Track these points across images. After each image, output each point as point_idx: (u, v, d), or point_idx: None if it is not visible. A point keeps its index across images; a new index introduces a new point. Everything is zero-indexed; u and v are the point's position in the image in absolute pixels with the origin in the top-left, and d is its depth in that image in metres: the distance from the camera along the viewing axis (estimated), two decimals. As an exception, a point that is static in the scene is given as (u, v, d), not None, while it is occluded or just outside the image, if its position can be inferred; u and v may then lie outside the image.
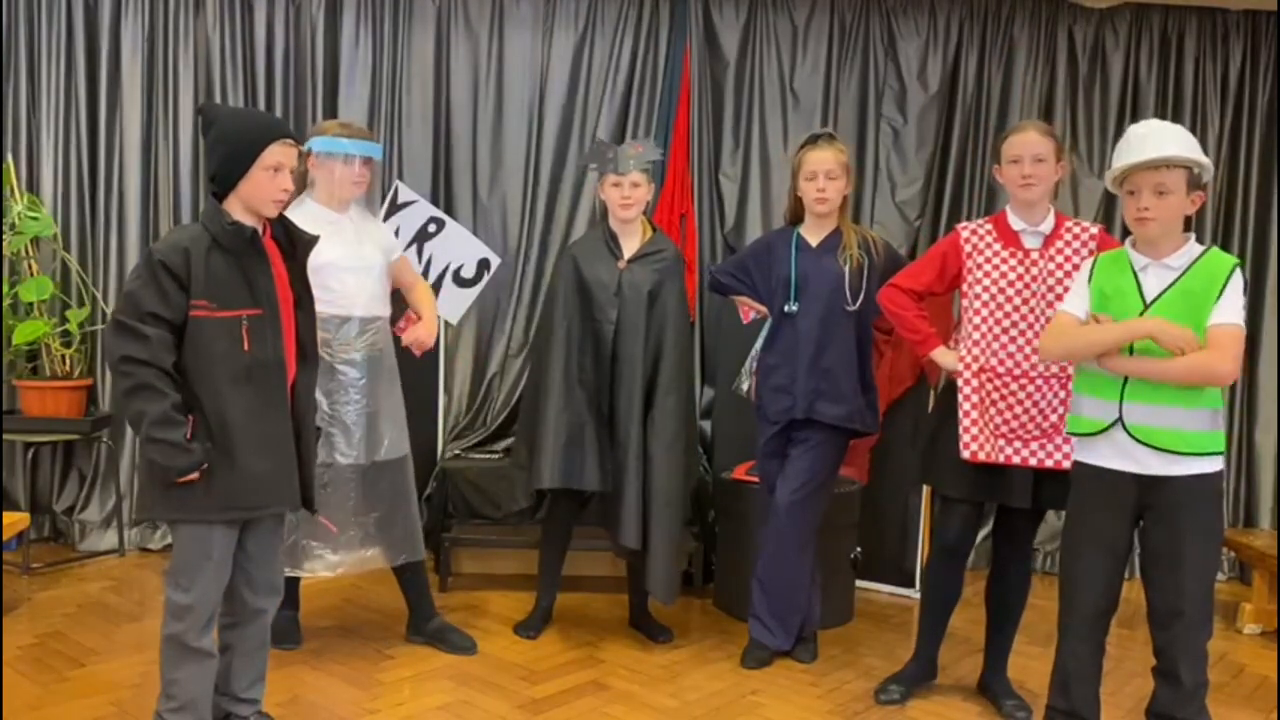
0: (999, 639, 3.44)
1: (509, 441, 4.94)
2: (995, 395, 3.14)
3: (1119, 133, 5.11)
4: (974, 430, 3.14)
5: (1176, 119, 5.12)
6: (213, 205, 2.59)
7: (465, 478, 4.61)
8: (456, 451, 4.86)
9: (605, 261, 3.70)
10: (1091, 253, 3.08)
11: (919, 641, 3.49)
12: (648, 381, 3.64)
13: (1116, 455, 2.69)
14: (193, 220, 4.83)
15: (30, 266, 4.60)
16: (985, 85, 5.12)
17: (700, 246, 5.00)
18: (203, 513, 2.56)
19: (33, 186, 4.74)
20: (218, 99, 4.82)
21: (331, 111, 4.89)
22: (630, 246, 3.72)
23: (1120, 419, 2.66)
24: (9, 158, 4.64)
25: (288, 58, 4.88)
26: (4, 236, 4.50)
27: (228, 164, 2.56)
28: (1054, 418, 3.11)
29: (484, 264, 4.69)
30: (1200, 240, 5.18)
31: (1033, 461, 3.13)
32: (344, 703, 3.23)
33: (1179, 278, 2.66)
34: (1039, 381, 3.12)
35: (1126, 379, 2.66)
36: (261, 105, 4.86)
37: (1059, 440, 3.10)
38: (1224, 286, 2.62)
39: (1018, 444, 3.13)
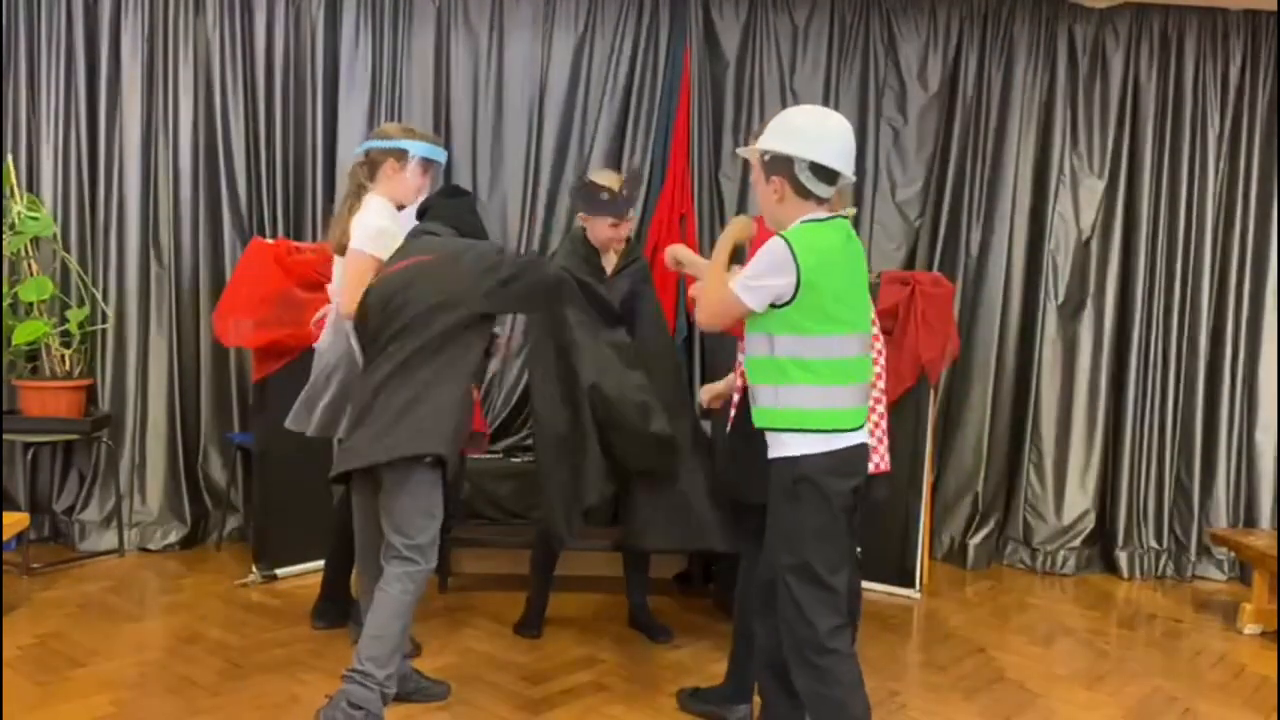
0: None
1: (510, 441, 4.96)
2: None
3: (1119, 133, 5.15)
4: None
5: (1176, 119, 5.14)
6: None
7: (465, 478, 4.60)
8: (456, 451, 4.85)
9: (593, 279, 3.67)
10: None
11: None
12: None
13: None
14: (192, 216, 4.86)
15: (30, 266, 4.60)
16: (985, 85, 5.12)
17: (700, 247, 4.99)
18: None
19: (33, 186, 4.74)
20: (218, 99, 4.82)
21: (331, 111, 4.89)
22: (610, 261, 3.75)
23: None
24: (9, 158, 4.64)
25: (288, 58, 4.88)
26: (4, 236, 4.49)
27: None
28: None
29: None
30: (1202, 239, 5.22)
31: None
32: (344, 703, 3.22)
33: None
34: None
35: None
36: (261, 105, 4.86)
37: None
38: None
39: None
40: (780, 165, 2.56)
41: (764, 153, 2.59)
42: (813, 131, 2.56)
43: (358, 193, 3.46)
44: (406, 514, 2.94)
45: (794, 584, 2.52)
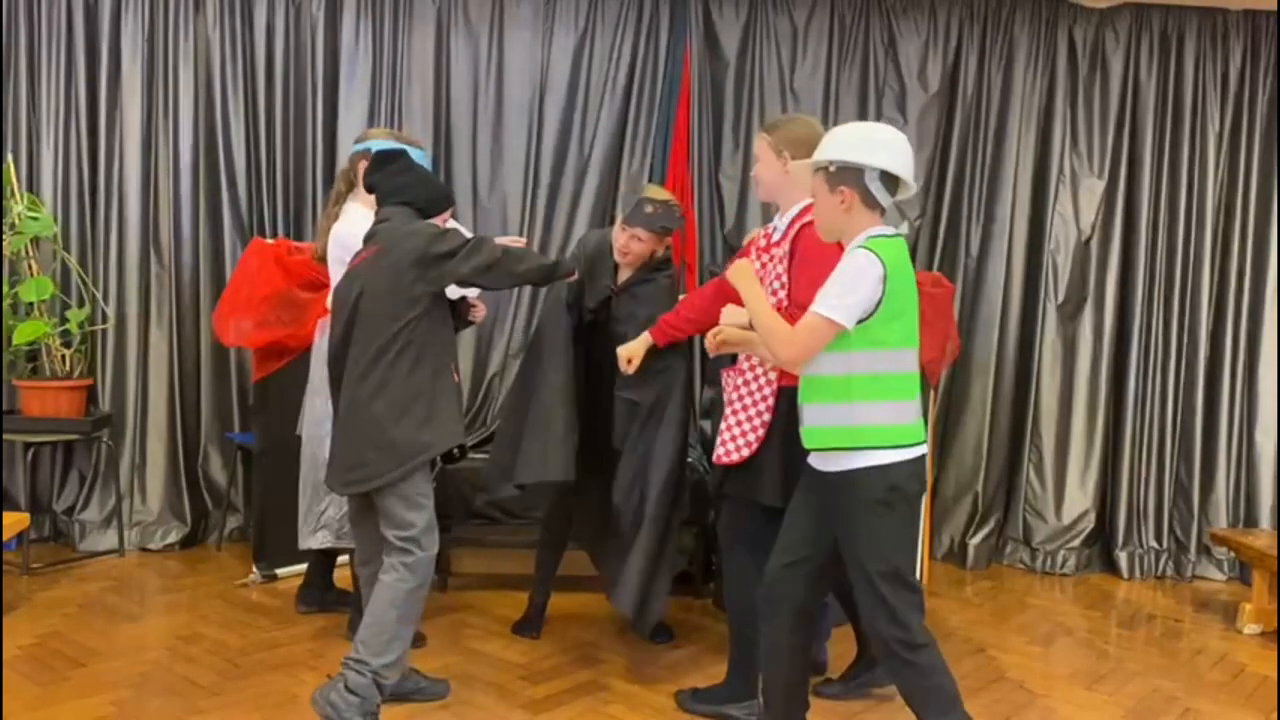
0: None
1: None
2: None
3: (1119, 133, 5.15)
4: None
5: (1176, 119, 5.14)
6: (419, 218, 3.11)
7: (465, 478, 4.59)
8: (456, 451, 4.85)
9: (605, 276, 3.66)
10: (790, 241, 3.04)
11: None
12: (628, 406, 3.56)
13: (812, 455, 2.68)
14: (193, 216, 4.86)
15: (30, 266, 4.60)
16: (985, 85, 5.12)
17: (700, 246, 5.01)
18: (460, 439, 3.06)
19: (33, 186, 4.74)
20: (218, 99, 4.83)
21: (331, 111, 4.89)
22: (625, 272, 3.69)
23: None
24: (9, 158, 4.64)
25: (288, 58, 4.88)
26: (4, 236, 4.50)
27: (430, 202, 3.15)
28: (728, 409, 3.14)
29: (484, 264, 4.69)
30: (1201, 240, 5.22)
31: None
32: (344, 703, 3.22)
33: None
34: (724, 375, 3.19)
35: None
36: (261, 105, 4.87)
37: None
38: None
39: None
40: (848, 176, 2.54)
41: (830, 163, 2.57)
42: (878, 140, 2.58)
43: (336, 199, 3.60)
44: (396, 510, 2.97)
45: (887, 590, 2.52)
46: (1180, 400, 5.20)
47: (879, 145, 2.56)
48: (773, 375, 3.03)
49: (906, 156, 2.59)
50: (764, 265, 3.12)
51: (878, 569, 2.52)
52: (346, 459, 3.00)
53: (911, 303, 2.55)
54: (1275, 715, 3.48)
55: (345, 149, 4.76)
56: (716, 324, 3.21)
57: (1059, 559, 5.16)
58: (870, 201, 2.55)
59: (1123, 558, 5.15)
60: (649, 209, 3.57)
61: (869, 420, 2.51)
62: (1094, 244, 5.19)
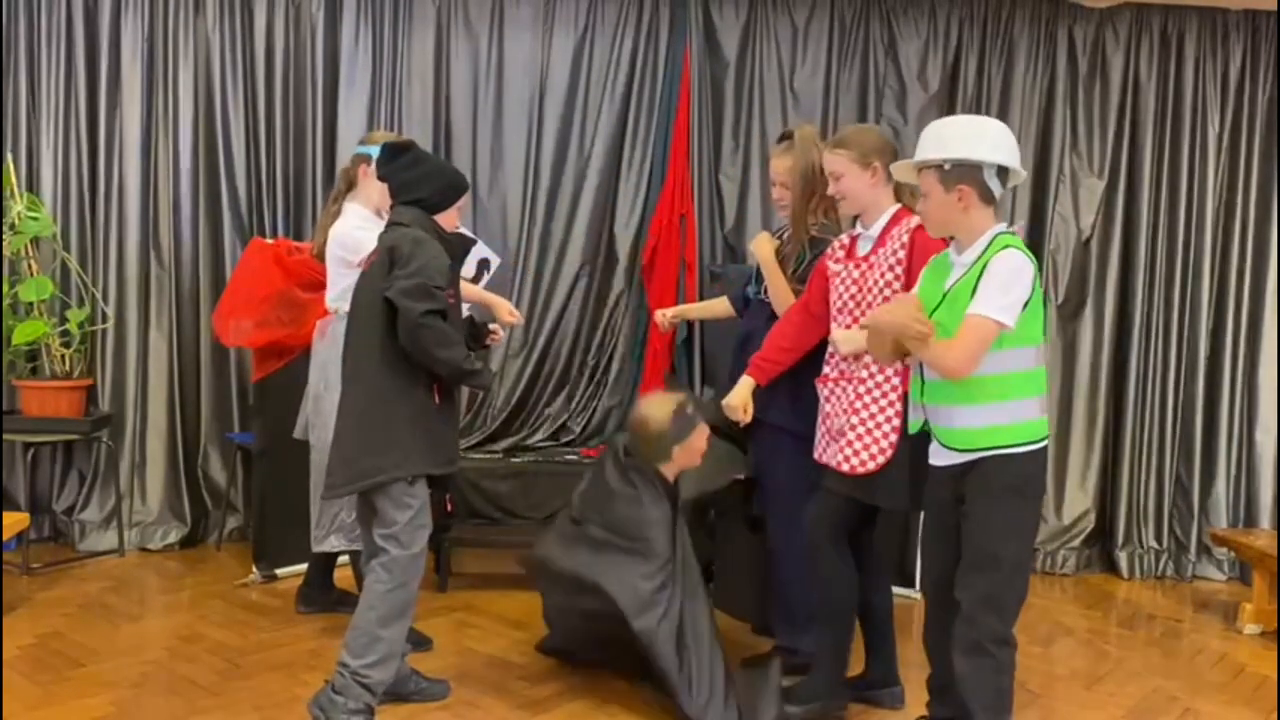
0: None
1: (509, 441, 4.95)
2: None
3: (1119, 133, 5.14)
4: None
5: (1176, 119, 5.13)
6: (429, 218, 3.01)
7: (465, 478, 4.59)
8: (456, 451, 4.85)
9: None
10: (903, 246, 3.04)
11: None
12: None
13: (937, 453, 2.70)
14: (193, 216, 4.86)
15: (30, 266, 4.60)
16: (985, 85, 5.12)
17: (700, 246, 5.00)
18: (437, 465, 3.00)
19: (33, 186, 4.74)
20: (218, 99, 4.83)
21: (331, 111, 4.89)
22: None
23: (925, 422, 2.70)
24: (9, 158, 4.64)
25: (288, 58, 4.88)
26: (4, 236, 4.50)
27: (443, 194, 3.03)
28: (840, 421, 3.09)
29: (484, 264, 4.67)
30: (1202, 240, 5.21)
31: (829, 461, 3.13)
32: (344, 703, 3.22)
33: (966, 273, 2.59)
34: (829, 385, 3.16)
35: (924, 383, 2.67)
36: (261, 105, 4.87)
37: (843, 443, 3.06)
38: (980, 275, 2.53)
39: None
40: (966, 173, 2.56)
41: (944, 162, 2.57)
42: (990, 135, 2.60)
43: (336, 198, 3.63)
44: (383, 507, 2.98)
45: (1005, 576, 2.54)
46: (1180, 400, 5.20)
47: (992, 139, 2.58)
48: (897, 380, 3.00)
49: (1016, 147, 2.63)
50: (863, 274, 3.09)
51: (1009, 554, 2.54)
52: (329, 464, 3.04)
53: (1041, 298, 2.58)
54: (1275, 715, 3.48)
55: (345, 149, 4.76)
56: (810, 349, 3.24)
57: (1059, 559, 5.16)
58: (988, 196, 2.58)
59: (1123, 558, 5.15)
60: (691, 411, 3.37)
61: (1024, 416, 2.55)
62: (1094, 244, 5.18)
